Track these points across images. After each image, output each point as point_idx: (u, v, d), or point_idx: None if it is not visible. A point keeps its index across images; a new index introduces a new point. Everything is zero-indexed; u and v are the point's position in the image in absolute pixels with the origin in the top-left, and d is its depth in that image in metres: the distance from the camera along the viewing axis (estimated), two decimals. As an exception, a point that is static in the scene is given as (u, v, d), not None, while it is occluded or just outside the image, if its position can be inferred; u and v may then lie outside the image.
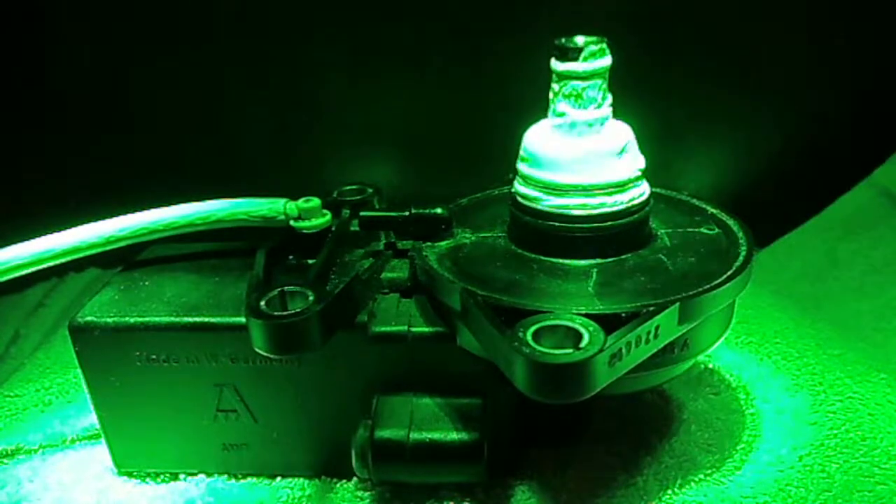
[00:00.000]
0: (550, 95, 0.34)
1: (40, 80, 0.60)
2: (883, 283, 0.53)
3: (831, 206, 0.61)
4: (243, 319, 0.31)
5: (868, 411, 0.40)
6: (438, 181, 0.59)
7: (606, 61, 0.33)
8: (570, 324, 0.28)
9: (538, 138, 0.35)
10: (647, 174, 0.35)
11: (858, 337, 0.48)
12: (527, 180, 0.35)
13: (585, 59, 0.33)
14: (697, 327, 0.32)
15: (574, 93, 0.33)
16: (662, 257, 0.34)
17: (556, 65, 0.33)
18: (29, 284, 0.59)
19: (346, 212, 0.39)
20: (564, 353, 0.27)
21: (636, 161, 0.35)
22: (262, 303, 0.31)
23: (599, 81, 0.33)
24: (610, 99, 0.34)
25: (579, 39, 0.33)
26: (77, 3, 0.57)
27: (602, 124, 0.34)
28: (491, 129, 0.55)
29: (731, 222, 0.37)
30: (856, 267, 0.55)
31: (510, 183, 0.36)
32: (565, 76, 0.33)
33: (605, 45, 0.33)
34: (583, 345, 0.27)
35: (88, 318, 0.35)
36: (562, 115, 0.34)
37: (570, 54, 0.33)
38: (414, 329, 0.34)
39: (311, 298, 0.31)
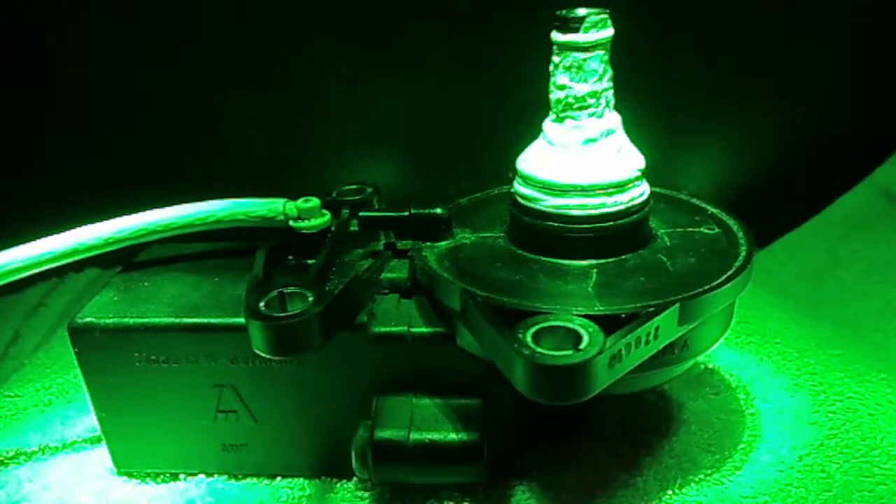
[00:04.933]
0: (551, 68, 0.34)
1: (40, 80, 0.60)
2: (883, 283, 0.53)
3: (831, 206, 0.61)
4: (243, 320, 0.31)
5: (868, 411, 0.40)
6: (438, 181, 0.59)
7: (608, 32, 0.33)
8: (569, 325, 0.28)
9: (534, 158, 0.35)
10: (647, 174, 0.35)
11: (858, 337, 0.48)
12: (526, 180, 0.35)
13: (587, 29, 0.32)
14: (697, 327, 0.32)
15: (575, 64, 0.33)
16: (662, 257, 0.34)
17: (557, 36, 0.33)
18: (29, 285, 0.59)
19: (345, 212, 0.39)
20: (564, 355, 0.27)
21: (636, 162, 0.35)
22: (262, 304, 0.31)
23: (601, 53, 0.33)
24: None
25: (581, 10, 0.32)
26: (77, 4, 0.57)
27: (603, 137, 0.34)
28: (491, 128, 0.55)
29: (731, 222, 0.37)
30: (856, 267, 0.55)
31: (510, 182, 0.36)
32: (566, 47, 0.33)
33: (606, 17, 0.32)
34: (582, 346, 0.27)
35: (88, 319, 0.35)
36: (562, 87, 0.33)
37: (572, 25, 0.32)
38: (414, 330, 0.34)
39: (310, 299, 0.31)
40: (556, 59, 0.34)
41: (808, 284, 0.55)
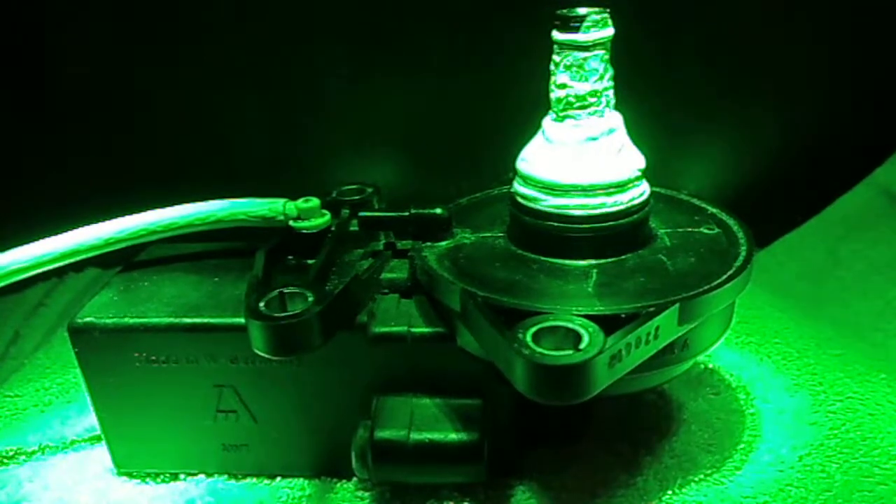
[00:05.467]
0: (551, 67, 0.34)
1: (40, 80, 0.60)
2: (883, 283, 0.53)
3: (831, 206, 0.61)
4: (243, 320, 0.31)
5: (868, 411, 0.40)
6: (438, 181, 0.59)
7: (608, 32, 0.33)
8: (569, 325, 0.28)
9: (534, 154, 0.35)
10: (647, 174, 0.35)
11: (858, 337, 0.48)
12: (526, 180, 0.35)
13: (587, 28, 0.32)
14: (697, 327, 0.32)
15: (575, 63, 0.33)
16: (662, 257, 0.34)
17: (558, 35, 0.33)
18: (29, 285, 0.59)
19: (345, 212, 0.39)
20: (564, 355, 0.27)
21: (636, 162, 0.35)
22: (262, 304, 0.31)
23: (601, 52, 0.33)
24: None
25: (581, 10, 0.32)
26: (77, 4, 0.57)
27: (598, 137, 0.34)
28: (491, 128, 0.55)
29: (731, 222, 0.37)
30: (856, 267, 0.55)
31: (509, 182, 0.36)
32: (566, 46, 0.33)
33: (607, 16, 0.33)
34: (582, 346, 0.27)
35: (88, 319, 0.35)
36: (563, 86, 0.33)
37: (572, 24, 0.32)
38: (414, 329, 0.34)
39: (310, 299, 0.31)
40: (556, 57, 0.34)
41: (808, 284, 0.55)
